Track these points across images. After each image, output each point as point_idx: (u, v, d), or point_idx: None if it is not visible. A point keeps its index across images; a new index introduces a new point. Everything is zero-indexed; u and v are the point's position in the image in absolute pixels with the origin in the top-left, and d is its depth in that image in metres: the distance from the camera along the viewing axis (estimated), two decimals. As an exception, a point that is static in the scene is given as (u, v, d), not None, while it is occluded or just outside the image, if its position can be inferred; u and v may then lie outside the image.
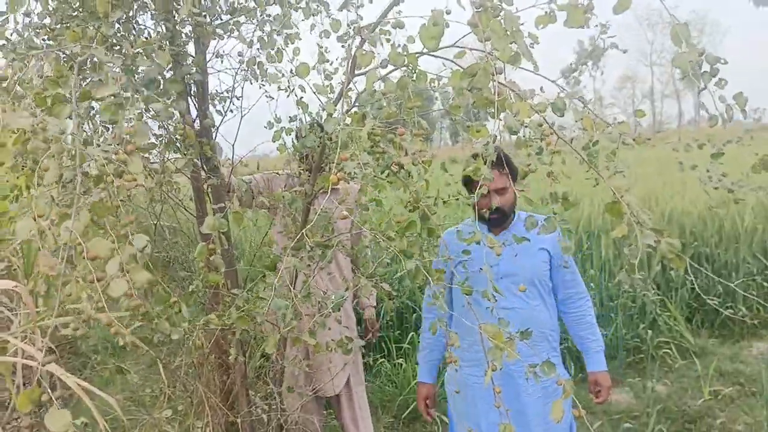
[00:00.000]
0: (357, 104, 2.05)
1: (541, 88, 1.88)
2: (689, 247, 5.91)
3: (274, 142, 2.36)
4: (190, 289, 1.81)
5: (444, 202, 1.95)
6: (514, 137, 1.81)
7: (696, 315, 5.80)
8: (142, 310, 1.32)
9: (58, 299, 1.39)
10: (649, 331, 5.28)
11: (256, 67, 2.19)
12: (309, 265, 1.76)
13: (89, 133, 1.80)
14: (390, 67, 1.96)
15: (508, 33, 1.62)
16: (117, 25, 1.72)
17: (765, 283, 5.87)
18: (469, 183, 2.43)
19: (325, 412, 3.67)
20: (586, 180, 2.32)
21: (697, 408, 4.33)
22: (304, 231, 1.52)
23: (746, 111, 1.50)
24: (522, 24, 1.74)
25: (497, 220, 2.40)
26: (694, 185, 7.05)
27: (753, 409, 4.24)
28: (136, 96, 1.55)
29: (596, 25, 2.32)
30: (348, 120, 1.71)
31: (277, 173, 2.97)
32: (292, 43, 2.25)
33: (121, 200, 1.43)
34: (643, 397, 4.56)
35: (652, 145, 2.38)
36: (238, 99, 2.34)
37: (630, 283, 1.72)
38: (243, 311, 1.69)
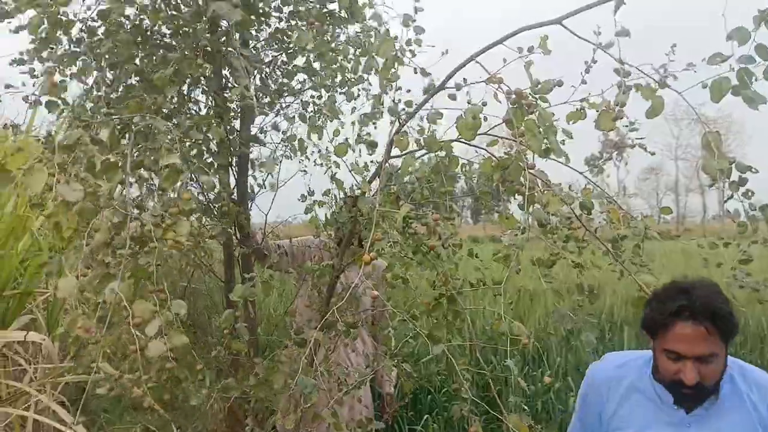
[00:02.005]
0: (390, 184, 2.13)
1: (570, 187, 1.92)
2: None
3: (306, 214, 2.44)
4: (212, 355, 1.83)
5: (472, 286, 1.97)
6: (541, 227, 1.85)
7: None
8: (173, 375, 1.35)
9: (89, 359, 1.42)
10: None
11: (296, 143, 2.29)
12: (330, 339, 1.78)
13: (139, 198, 1.89)
14: (423, 151, 2.04)
15: (541, 130, 1.69)
16: (174, 98, 1.83)
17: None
18: (651, 328, 1.63)
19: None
20: (612, 272, 2.33)
21: None
22: (335, 308, 1.55)
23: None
24: (556, 120, 1.82)
25: (692, 396, 1.57)
26: (718, 281, 6.97)
27: None
28: (185, 166, 1.63)
29: (625, 126, 2.40)
30: (380, 198, 1.77)
31: (308, 246, 3.03)
32: (331, 121, 2.36)
33: (158, 264, 1.49)
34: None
35: (678, 236, 2.39)
36: (272, 177, 2.43)
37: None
38: (261, 380, 1.70)
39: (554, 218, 2.31)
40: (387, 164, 2.12)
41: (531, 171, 1.80)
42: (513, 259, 1.64)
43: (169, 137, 1.53)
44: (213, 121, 1.66)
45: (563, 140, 1.85)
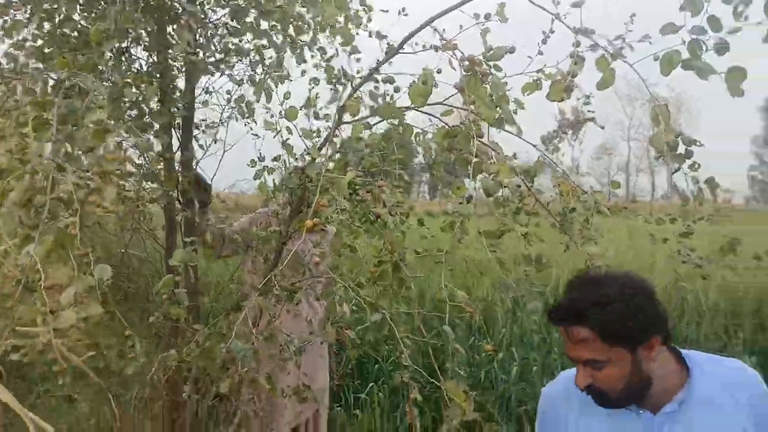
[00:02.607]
0: (340, 151, 2.08)
1: (515, 155, 1.91)
2: (654, 320, 5.97)
3: (255, 180, 2.36)
4: (149, 321, 1.76)
5: (418, 254, 1.96)
6: (490, 198, 1.84)
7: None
8: (92, 341, 1.29)
9: (10, 322, 1.35)
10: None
11: (243, 105, 2.21)
12: (275, 305, 1.74)
13: (62, 159, 1.79)
14: (377, 118, 1.99)
15: (494, 99, 1.66)
16: (109, 54, 1.73)
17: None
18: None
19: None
20: (559, 244, 2.36)
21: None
22: (273, 273, 1.50)
23: (716, 193, 1.55)
24: (509, 89, 1.79)
25: (599, 400, 1.40)
26: (662, 258, 7.19)
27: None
28: (119, 123, 1.55)
29: (579, 98, 2.40)
30: (330, 165, 1.73)
31: (266, 213, 2.92)
32: (282, 84, 2.28)
33: (87, 226, 1.41)
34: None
35: (625, 216, 2.43)
36: (218, 140, 2.35)
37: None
38: (203, 349, 1.65)
39: (506, 190, 2.32)
40: (338, 130, 2.07)
41: (482, 140, 1.78)
42: (457, 226, 1.62)
43: (100, 96, 1.44)
44: (151, 79, 1.57)
45: (515, 110, 1.83)
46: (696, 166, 1.52)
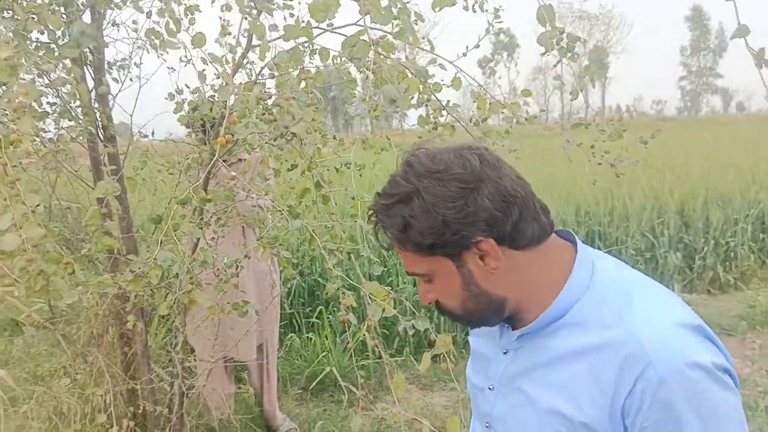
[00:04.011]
0: (259, 77, 2.13)
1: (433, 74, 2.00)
2: (583, 225, 6.31)
3: (175, 113, 2.39)
4: (82, 252, 1.83)
5: (337, 171, 2.05)
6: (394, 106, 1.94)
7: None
8: (36, 267, 1.34)
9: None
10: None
11: (153, 36, 2.21)
12: (201, 229, 1.82)
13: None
14: (293, 40, 2.04)
15: (393, 10, 1.74)
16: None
17: (652, 259, 6.35)
18: None
19: (239, 385, 3.77)
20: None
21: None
22: (190, 188, 1.58)
23: (593, 81, 1.70)
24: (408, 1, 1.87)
25: (447, 317, 1.08)
26: (592, 169, 7.52)
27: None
28: (28, 60, 1.56)
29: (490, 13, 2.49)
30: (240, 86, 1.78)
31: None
32: (192, 15, 2.28)
33: (14, 166, 1.45)
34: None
35: (535, 116, 2.58)
36: (137, 66, 2.35)
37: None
38: (137, 274, 1.73)
39: (428, 108, 2.44)
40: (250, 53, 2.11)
41: (390, 57, 1.86)
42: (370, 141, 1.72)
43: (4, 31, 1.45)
44: (52, 8, 1.57)
45: (416, 21, 1.91)
46: (575, 56, 1.65)
